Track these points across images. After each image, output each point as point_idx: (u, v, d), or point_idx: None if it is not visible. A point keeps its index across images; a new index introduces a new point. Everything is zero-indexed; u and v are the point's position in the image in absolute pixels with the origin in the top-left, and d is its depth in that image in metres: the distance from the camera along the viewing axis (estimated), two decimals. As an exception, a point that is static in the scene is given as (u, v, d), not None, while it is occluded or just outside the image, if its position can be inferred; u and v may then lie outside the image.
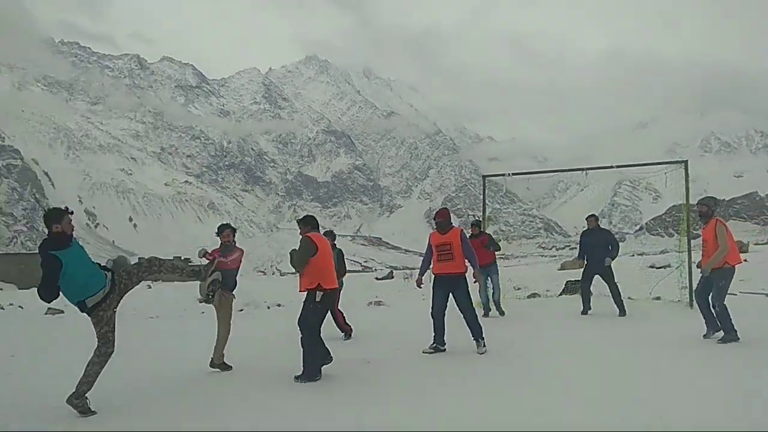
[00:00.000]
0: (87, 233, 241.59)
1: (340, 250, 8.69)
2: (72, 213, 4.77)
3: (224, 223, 6.83)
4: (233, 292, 6.61)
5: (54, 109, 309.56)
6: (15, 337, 10.66)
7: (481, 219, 10.97)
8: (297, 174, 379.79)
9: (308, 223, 6.21)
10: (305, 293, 5.97)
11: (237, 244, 6.69)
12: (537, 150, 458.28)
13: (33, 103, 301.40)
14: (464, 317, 6.96)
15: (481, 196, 11.85)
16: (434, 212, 7.24)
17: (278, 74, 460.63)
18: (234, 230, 6.73)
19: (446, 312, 7.04)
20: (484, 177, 11.84)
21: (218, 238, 6.66)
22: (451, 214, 7.32)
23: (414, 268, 46.80)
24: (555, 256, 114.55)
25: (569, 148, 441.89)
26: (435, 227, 7.21)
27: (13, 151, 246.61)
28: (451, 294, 6.97)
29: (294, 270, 6.11)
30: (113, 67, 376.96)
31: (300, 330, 5.91)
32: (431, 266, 7.16)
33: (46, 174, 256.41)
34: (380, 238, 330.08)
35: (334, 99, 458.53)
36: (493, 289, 10.35)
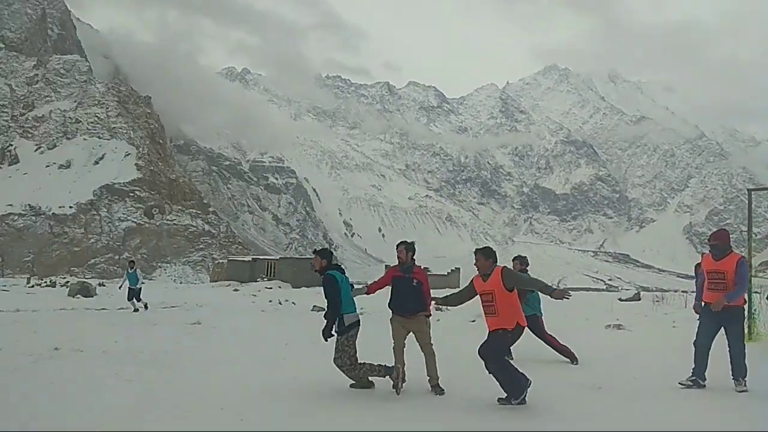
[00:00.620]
0: (345, 242, 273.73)
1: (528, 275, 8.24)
2: (315, 255, 6.21)
3: (403, 240, 6.55)
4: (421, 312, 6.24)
5: (321, 134, 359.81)
6: (289, 328, 12.86)
7: None
8: (533, 187, 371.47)
9: (492, 255, 5.60)
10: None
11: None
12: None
13: (305, 130, 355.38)
14: (730, 352, 6.17)
15: (758, 210, 10.17)
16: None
17: (515, 87, 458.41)
18: (409, 248, 6.27)
19: (712, 345, 6.28)
20: (749, 191, 10.20)
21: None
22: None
23: (669, 290, 41.85)
24: None
25: None
26: (709, 250, 6.38)
27: (290, 171, 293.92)
28: (723, 327, 6.21)
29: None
30: (367, 94, 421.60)
31: (485, 359, 5.45)
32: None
33: (314, 190, 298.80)
34: (628, 255, 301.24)
35: (575, 107, 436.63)
36: None
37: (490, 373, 5.46)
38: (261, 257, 59.37)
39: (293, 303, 23.09)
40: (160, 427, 4.76)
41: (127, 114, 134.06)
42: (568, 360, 8.07)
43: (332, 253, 6.32)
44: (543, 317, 8.41)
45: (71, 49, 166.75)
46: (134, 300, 16.93)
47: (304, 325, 13.46)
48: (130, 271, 17.36)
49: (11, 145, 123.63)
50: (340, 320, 5.91)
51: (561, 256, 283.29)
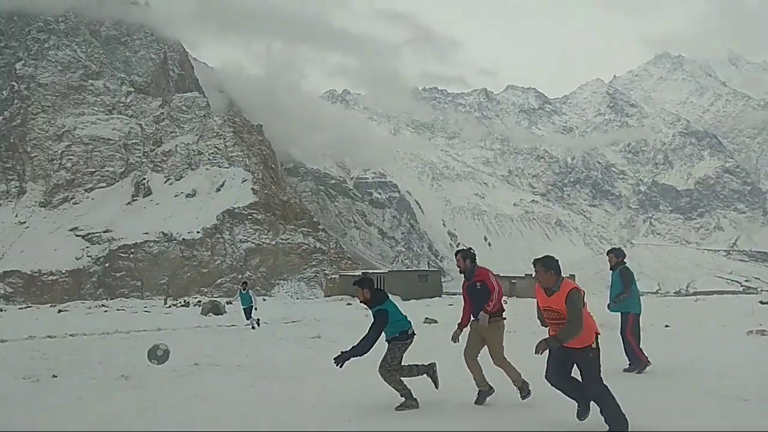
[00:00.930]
0: (450, 252, 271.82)
1: (626, 267, 7.75)
2: (357, 287, 6.19)
3: (460, 248, 6.49)
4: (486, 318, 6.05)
5: (420, 147, 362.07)
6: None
7: None
8: (651, 184, 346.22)
9: (553, 266, 4.67)
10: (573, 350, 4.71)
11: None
12: None
13: (405, 144, 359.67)
14: None
15: None
16: None
17: (623, 81, 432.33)
18: (466, 255, 6.24)
19: None
20: None
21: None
22: None
23: (820, 291, 37.02)
24: None
25: None
26: None
27: (392, 185, 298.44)
28: None
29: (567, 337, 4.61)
30: (464, 103, 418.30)
31: (596, 396, 4.70)
32: None
33: (417, 203, 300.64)
34: (766, 253, 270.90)
35: (693, 96, 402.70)
36: None
37: (595, 402, 4.77)
38: (370, 271, 60.79)
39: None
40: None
41: (242, 143, 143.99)
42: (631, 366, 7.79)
43: (372, 280, 6.38)
44: (640, 316, 7.97)
45: (190, 87, 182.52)
46: (252, 318, 17.97)
47: (417, 338, 13.58)
48: (243, 292, 18.59)
49: (144, 178, 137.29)
50: (403, 333, 6.34)
51: (688, 257, 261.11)
